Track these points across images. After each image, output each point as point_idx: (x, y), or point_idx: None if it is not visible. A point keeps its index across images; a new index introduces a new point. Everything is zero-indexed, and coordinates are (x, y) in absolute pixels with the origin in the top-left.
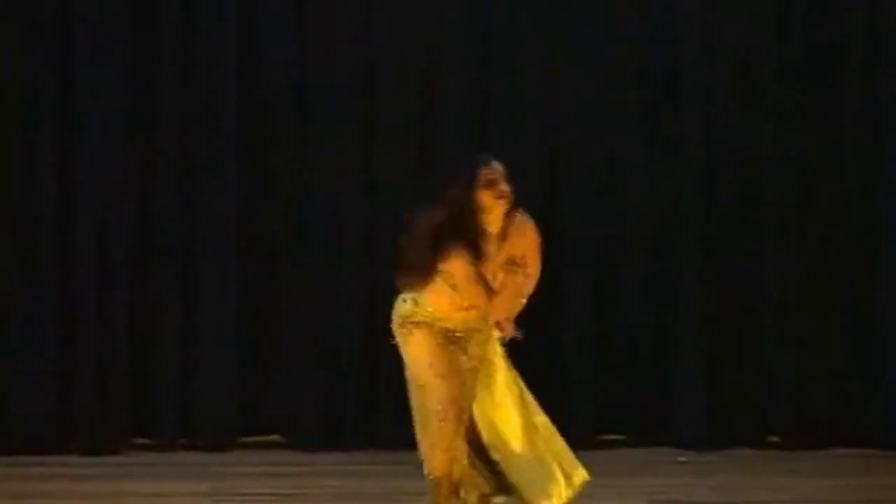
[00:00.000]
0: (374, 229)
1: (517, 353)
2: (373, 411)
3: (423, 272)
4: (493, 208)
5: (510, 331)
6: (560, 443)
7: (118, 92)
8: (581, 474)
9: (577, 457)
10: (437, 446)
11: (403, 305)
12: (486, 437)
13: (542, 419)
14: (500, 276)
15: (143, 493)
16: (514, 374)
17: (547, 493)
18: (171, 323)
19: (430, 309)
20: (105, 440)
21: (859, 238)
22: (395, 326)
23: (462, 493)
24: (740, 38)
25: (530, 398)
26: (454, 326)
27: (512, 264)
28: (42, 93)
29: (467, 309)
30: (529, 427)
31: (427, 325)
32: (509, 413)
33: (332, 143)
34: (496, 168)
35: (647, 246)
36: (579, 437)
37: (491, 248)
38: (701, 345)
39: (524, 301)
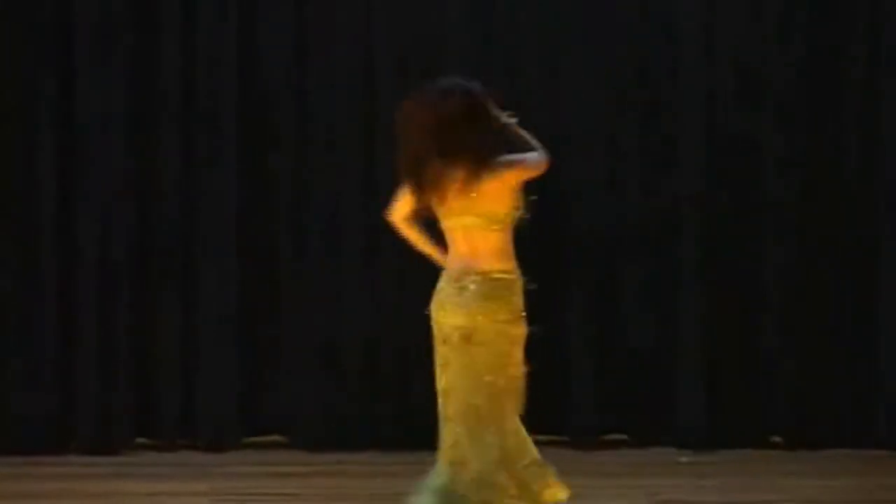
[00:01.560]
0: (375, 229)
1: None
2: (374, 411)
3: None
4: None
5: None
6: None
7: (118, 92)
8: None
9: (579, 457)
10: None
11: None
12: None
13: None
14: None
15: (144, 493)
16: None
17: None
18: (172, 322)
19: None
20: (105, 440)
21: (860, 237)
22: (514, 315)
23: None
24: (741, 37)
25: None
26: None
27: None
28: (42, 93)
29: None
30: None
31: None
32: None
33: (332, 143)
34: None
35: (647, 246)
36: (580, 436)
37: None
38: (702, 344)
39: None
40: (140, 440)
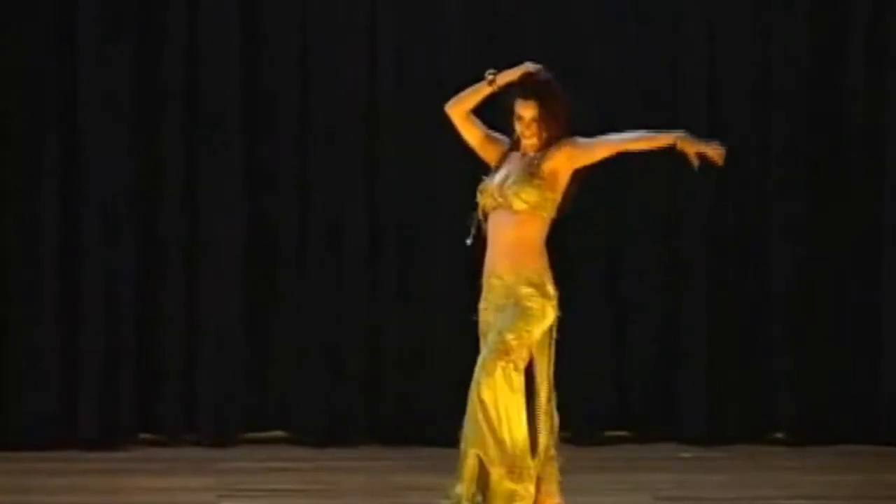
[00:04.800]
0: (376, 228)
1: None
2: (376, 407)
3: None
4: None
5: None
6: None
7: (121, 90)
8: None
9: (581, 452)
10: None
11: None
12: None
13: None
14: None
15: (148, 488)
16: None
17: None
18: (176, 318)
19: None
20: (109, 435)
21: (862, 234)
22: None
23: None
24: (744, 36)
25: None
26: None
27: None
28: (45, 91)
29: None
30: None
31: None
32: None
33: (334, 143)
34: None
35: (650, 243)
36: (583, 433)
37: None
38: (704, 341)
39: None
40: (143, 436)
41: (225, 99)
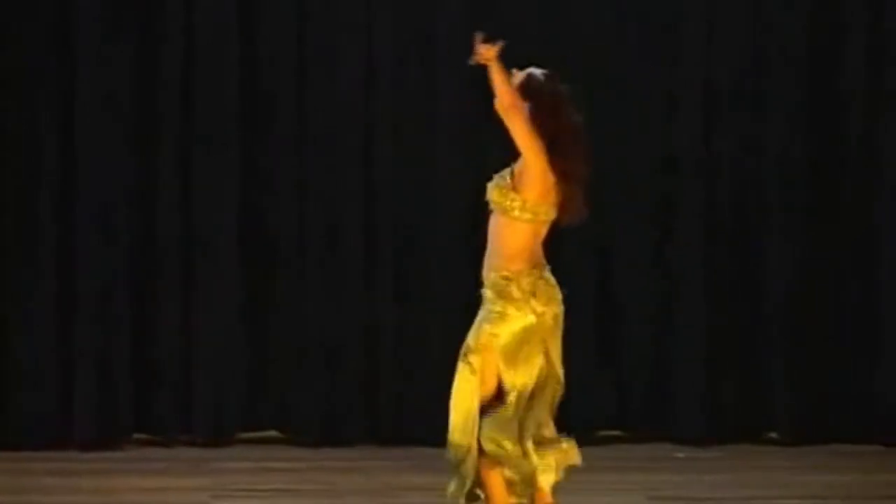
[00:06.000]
0: (374, 228)
1: None
2: (372, 406)
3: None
4: None
5: None
6: None
7: (120, 90)
8: None
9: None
10: None
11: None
12: None
13: None
14: None
15: (143, 488)
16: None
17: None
18: (173, 318)
19: None
20: (105, 435)
21: (861, 234)
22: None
23: None
24: (743, 36)
25: None
26: None
27: None
28: (44, 91)
29: None
30: None
31: None
32: None
33: (332, 143)
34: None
35: (647, 241)
36: (577, 432)
37: None
38: (701, 340)
39: None
40: (139, 435)
41: (223, 99)
